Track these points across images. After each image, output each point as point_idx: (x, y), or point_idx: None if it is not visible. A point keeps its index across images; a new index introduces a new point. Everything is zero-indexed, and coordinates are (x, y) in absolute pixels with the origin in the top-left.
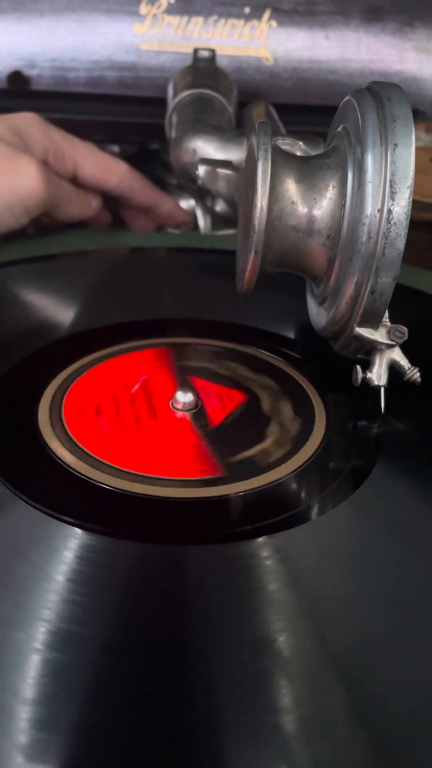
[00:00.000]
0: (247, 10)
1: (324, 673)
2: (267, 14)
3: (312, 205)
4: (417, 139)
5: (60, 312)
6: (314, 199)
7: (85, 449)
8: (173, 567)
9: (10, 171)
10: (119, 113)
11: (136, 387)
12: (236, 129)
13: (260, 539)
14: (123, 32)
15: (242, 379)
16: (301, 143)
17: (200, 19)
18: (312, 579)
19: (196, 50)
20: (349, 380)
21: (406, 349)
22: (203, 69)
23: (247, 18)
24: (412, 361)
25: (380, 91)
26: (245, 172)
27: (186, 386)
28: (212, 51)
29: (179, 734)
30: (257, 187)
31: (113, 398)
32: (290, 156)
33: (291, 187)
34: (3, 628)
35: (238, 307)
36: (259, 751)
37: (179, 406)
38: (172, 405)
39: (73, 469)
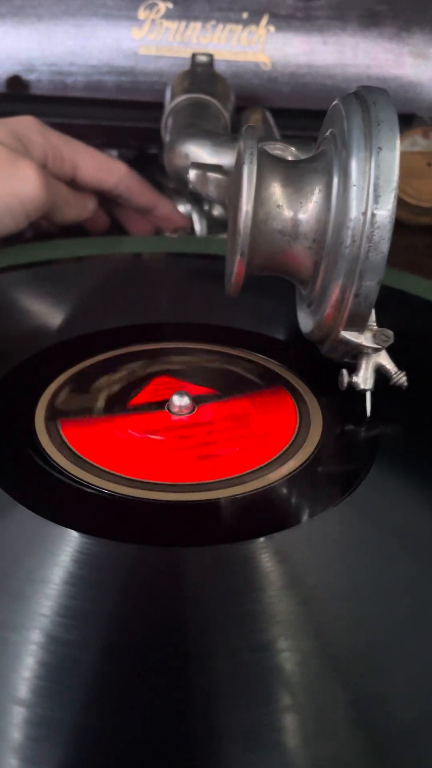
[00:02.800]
0: (245, 15)
1: (323, 674)
2: (265, 19)
3: (298, 209)
4: (414, 144)
5: (58, 316)
6: (300, 202)
7: (81, 454)
8: (171, 569)
9: (10, 175)
10: (117, 118)
11: (134, 392)
12: (230, 134)
13: (258, 541)
14: (121, 37)
15: (239, 383)
16: (292, 148)
17: (198, 24)
18: (310, 580)
19: (194, 55)
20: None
21: (402, 353)
22: (201, 74)
23: (245, 23)
24: (408, 365)
25: (366, 96)
26: (234, 176)
27: (183, 390)
28: (210, 56)
29: (177, 737)
30: (242, 190)
31: (111, 403)
32: (277, 160)
33: (277, 191)
34: (0, 632)
35: (235, 312)
36: (258, 753)
37: (175, 410)
38: (169, 409)
39: (69, 473)
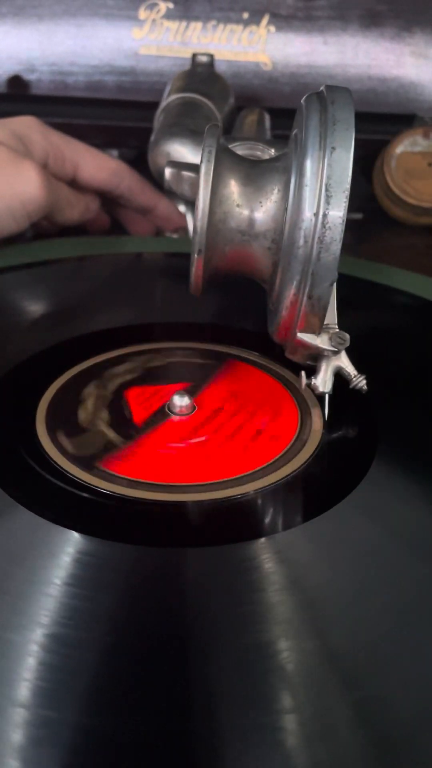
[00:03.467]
0: (245, 15)
1: (324, 675)
2: (265, 19)
3: (257, 208)
4: (415, 144)
5: (59, 316)
6: (260, 202)
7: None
8: (172, 570)
9: (12, 176)
10: (118, 118)
11: (138, 392)
12: None
13: (259, 541)
14: (122, 37)
15: (241, 382)
16: (272, 150)
17: (199, 24)
18: (311, 581)
19: (194, 55)
20: (345, 382)
21: (402, 351)
22: (198, 74)
23: (246, 23)
24: (407, 363)
25: (327, 95)
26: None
27: (183, 390)
28: (211, 56)
29: (179, 738)
30: (200, 188)
31: (113, 402)
32: (240, 159)
33: (236, 190)
34: (0, 632)
35: (239, 312)
36: (259, 754)
37: (176, 410)
38: (169, 409)
39: (70, 473)
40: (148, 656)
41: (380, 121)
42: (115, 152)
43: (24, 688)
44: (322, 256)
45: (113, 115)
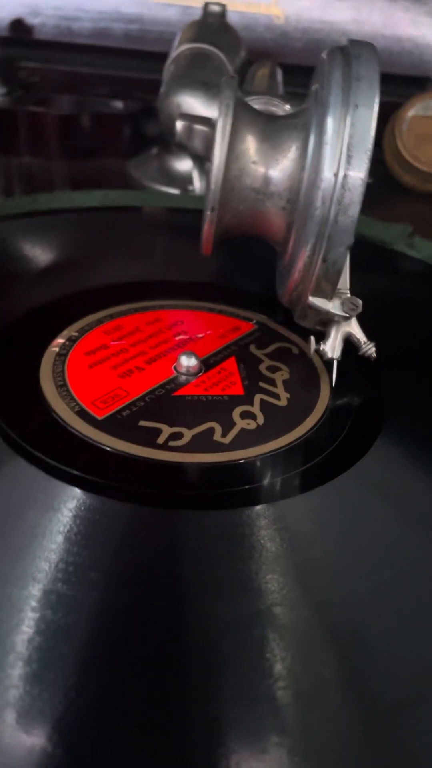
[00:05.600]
0: None
1: (319, 642)
2: None
3: (273, 166)
4: (428, 108)
5: (65, 268)
6: (277, 159)
7: (86, 408)
8: (171, 531)
9: None
10: (124, 67)
11: (145, 349)
12: None
13: (259, 507)
14: None
15: (245, 346)
16: (287, 106)
17: None
18: (310, 550)
19: (206, 4)
20: (354, 350)
21: (414, 317)
22: (209, 25)
23: None
24: (416, 332)
25: (351, 50)
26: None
27: (190, 351)
28: (223, 6)
29: (172, 698)
30: (216, 143)
31: (119, 359)
32: (257, 114)
33: (252, 146)
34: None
35: (245, 273)
36: (252, 721)
37: (182, 370)
38: (175, 369)
39: (73, 428)
40: (143, 614)
41: (393, 82)
42: (120, 104)
43: (20, 642)
44: (339, 219)
45: (119, 64)
